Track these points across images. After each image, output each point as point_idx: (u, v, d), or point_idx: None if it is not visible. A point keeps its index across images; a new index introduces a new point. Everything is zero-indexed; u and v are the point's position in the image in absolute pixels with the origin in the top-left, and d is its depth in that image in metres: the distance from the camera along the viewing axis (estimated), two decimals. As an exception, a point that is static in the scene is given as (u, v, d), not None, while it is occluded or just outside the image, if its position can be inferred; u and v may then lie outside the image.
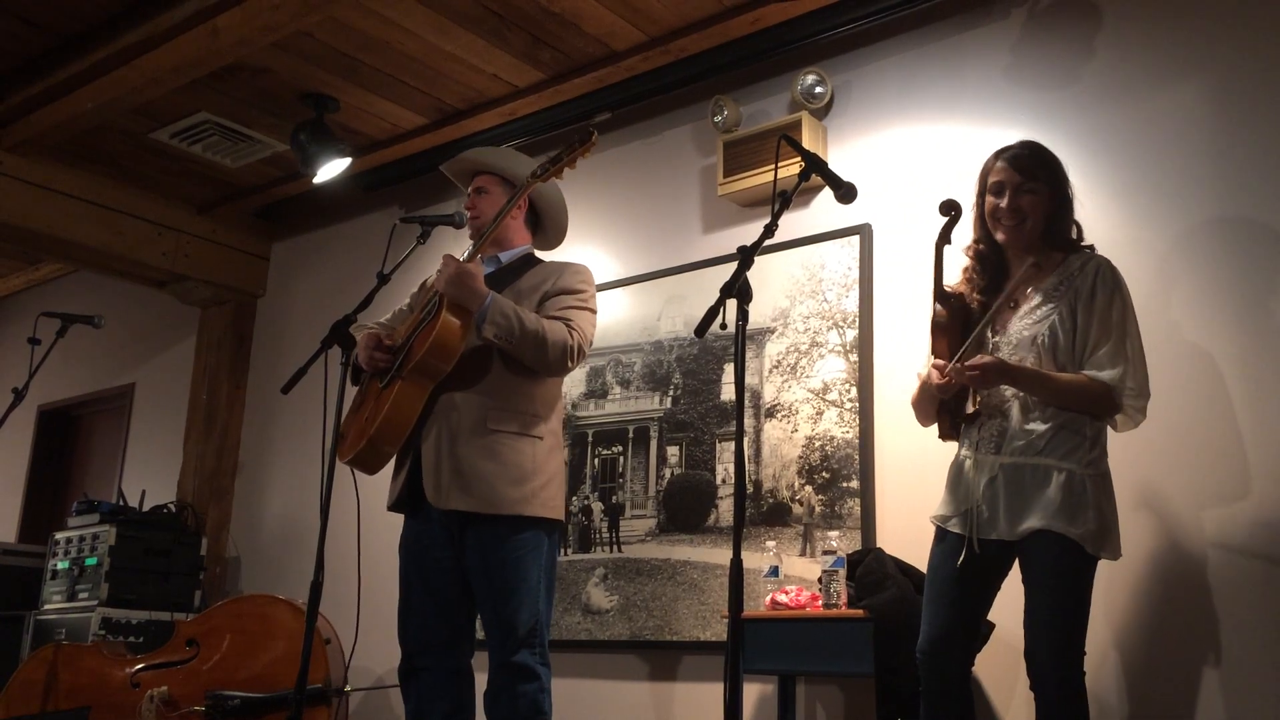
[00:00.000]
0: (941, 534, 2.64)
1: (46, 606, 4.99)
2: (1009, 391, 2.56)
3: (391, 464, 2.97)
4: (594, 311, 3.04)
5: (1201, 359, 2.97)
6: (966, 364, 2.52)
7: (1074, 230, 2.66)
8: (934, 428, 2.72)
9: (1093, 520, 2.42)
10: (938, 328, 2.67)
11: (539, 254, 3.20)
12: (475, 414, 2.86)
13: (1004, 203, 2.61)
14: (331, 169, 4.63)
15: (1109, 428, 2.55)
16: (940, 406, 2.66)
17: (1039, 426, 2.50)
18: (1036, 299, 2.60)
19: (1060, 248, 2.63)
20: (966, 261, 2.73)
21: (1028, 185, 2.60)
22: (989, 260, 2.70)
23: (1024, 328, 2.58)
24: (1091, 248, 2.64)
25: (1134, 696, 2.90)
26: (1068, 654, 2.43)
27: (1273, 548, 2.80)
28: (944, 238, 2.65)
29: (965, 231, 2.71)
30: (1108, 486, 2.51)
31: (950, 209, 2.67)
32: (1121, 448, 2.61)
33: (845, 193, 2.58)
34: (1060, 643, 2.42)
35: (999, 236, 2.64)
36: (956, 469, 2.66)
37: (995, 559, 2.54)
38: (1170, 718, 2.84)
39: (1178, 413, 2.95)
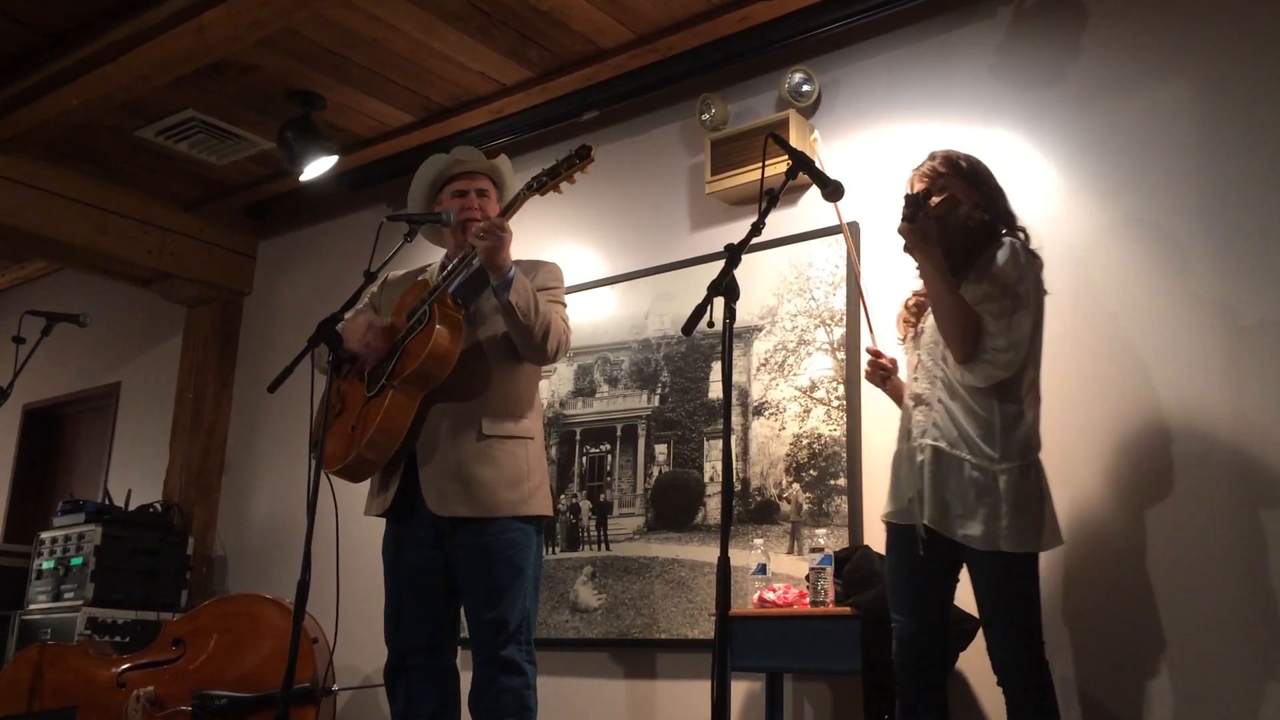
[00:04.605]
0: (891, 532, 2.70)
1: (32, 606, 4.97)
2: (938, 375, 2.62)
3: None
4: (566, 307, 3.10)
5: (1187, 355, 2.99)
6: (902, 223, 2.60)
7: (993, 222, 2.69)
8: None
9: (1012, 518, 2.46)
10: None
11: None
12: (468, 420, 2.88)
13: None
14: (318, 167, 4.62)
15: (1027, 407, 2.58)
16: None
17: (956, 412, 2.55)
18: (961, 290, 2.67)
19: (987, 239, 2.68)
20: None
21: (939, 183, 2.71)
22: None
23: None
24: (1022, 232, 2.69)
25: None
26: (1028, 651, 2.49)
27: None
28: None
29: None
30: (1031, 478, 2.53)
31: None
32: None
33: (832, 191, 2.59)
34: (1018, 642, 2.48)
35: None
36: (895, 461, 2.72)
37: (940, 548, 2.57)
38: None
39: (1154, 409, 2.98)
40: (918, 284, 2.77)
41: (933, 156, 2.77)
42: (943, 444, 2.55)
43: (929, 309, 2.70)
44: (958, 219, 2.66)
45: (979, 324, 2.54)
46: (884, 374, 2.86)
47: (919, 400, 2.65)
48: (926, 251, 2.58)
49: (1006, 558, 2.47)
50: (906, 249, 2.63)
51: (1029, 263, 2.61)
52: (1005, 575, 2.49)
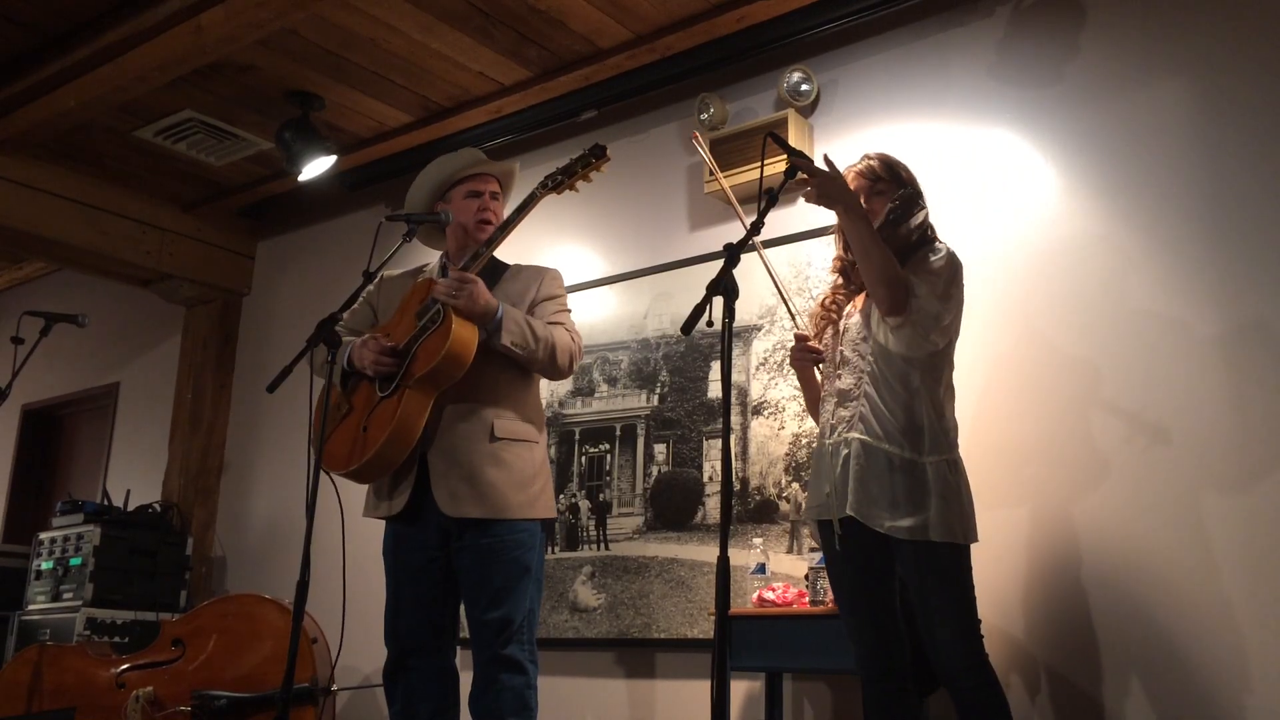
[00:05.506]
0: (822, 530, 2.69)
1: (31, 607, 4.96)
2: (865, 369, 2.61)
3: None
4: (571, 313, 3.12)
5: (1189, 351, 2.99)
6: (811, 170, 2.58)
7: (919, 229, 2.70)
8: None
9: (939, 509, 2.46)
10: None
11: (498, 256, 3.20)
12: (481, 422, 2.89)
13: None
14: (316, 167, 4.62)
15: (947, 404, 2.60)
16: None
17: (882, 406, 2.55)
18: None
19: (920, 247, 2.68)
20: (835, 279, 2.82)
21: (879, 187, 2.72)
22: (850, 273, 2.80)
23: (866, 307, 2.67)
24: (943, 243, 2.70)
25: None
26: (967, 644, 2.48)
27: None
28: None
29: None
30: (957, 472, 2.55)
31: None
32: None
33: (831, 190, 2.59)
34: (955, 636, 2.48)
35: None
36: (815, 458, 2.72)
37: (868, 543, 2.56)
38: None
39: (1155, 403, 2.98)
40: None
41: (869, 157, 2.77)
42: (869, 438, 2.55)
43: (848, 306, 2.71)
44: (908, 223, 2.66)
45: (906, 278, 2.55)
46: (815, 358, 2.81)
47: (844, 396, 2.64)
48: (847, 197, 2.58)
49: (937, 549, 2.46)
50: (822, 201, 2.60)
51: (958, 264, 2.65)
52: (938, 567, 2.48)
